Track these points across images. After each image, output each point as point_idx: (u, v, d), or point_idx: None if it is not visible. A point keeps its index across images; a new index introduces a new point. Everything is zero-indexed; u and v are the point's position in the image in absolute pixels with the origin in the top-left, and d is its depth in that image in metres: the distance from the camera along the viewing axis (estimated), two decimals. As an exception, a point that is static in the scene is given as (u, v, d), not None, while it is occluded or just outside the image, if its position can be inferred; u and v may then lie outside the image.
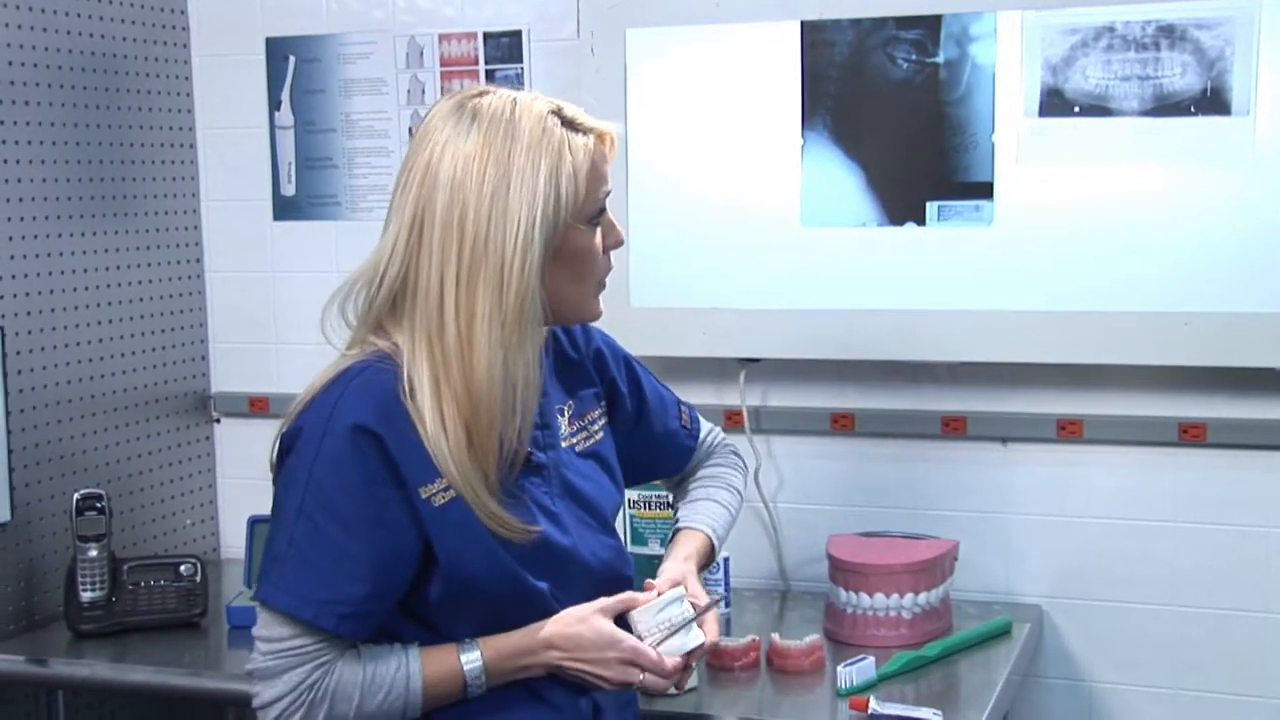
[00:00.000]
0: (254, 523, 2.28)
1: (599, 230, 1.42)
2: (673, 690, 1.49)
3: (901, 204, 2.14)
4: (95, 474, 2.36)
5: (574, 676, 1.43)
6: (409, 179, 1.36)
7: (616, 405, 1.61)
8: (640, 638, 1.44)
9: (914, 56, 2.11)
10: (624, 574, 1.53)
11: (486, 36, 2.40)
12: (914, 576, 2.03)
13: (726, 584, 2.17)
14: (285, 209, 2.54)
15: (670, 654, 1.44)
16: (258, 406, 2.58)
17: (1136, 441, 2.16)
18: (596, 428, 1.54)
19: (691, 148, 2.22)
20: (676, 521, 1.66)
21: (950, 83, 2.11)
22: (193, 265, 2.58)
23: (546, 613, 1.42)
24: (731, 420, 2.30)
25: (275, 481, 1.39)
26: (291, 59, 2.51)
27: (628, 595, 1.46)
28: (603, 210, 1.43)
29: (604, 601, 1.44)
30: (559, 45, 2.36)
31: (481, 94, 1.38)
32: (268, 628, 1.36)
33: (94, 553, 2.20)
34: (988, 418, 2.23)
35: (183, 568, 2.24)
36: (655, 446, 1.66)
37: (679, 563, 1.57)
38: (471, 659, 1.39)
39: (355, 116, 2.49)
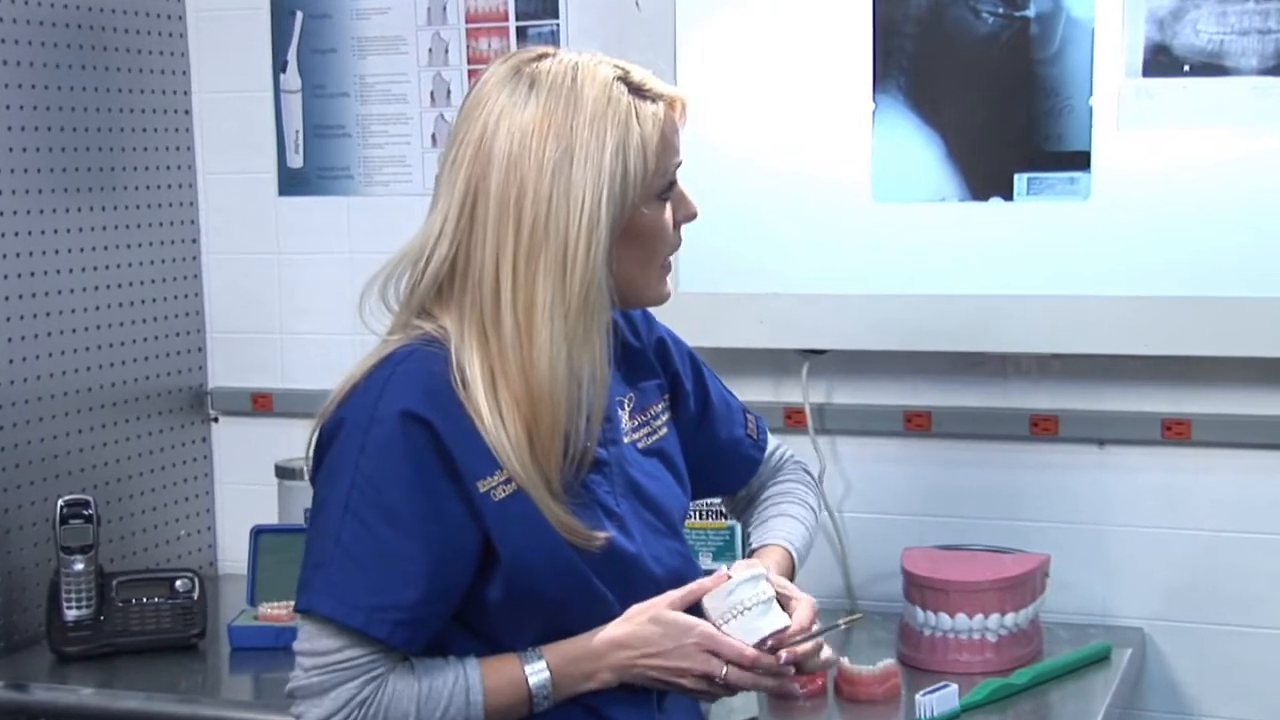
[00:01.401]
0: (258, 533, 2.30)
1: (668, 205, 1.43)
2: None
3: (986, 176, 2.14)
4: (80, 478, 2.36)
5: (648, 679, 1.42)
6: (459, 153, 1.37)
7: (679, 402, 1.61)
8: (714, 624, 1.42)
9: (1000, 9, 2.11)
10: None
11: None
12: (1000, 595, 2.02)
13: (786, 603, 2.16)
14: (292, 183, 2.55)
15: (744, 636, 1.40)
16: (261, 404, 2.59)
17: (1252, 444, 2.15)
18: (660, 422, 1.55)
19: (748, 115, 2.22)
20: (749, 545, 1.66)
21: (1042, 39, 2.10)
22: (188, 246, 2.58)
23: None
24: (792, 419, 2.31)
25: (314, 480, 1.39)
26: (299, 15, 2.51)
27: (697, 584, 1.45)
28: (673, 183, 1.43)
29: (670, 595, 1.43)
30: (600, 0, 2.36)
31: (540, 57, 1.39)
32: (312, 640, 1.36)
33: (80, 566, 2.20)
34: (1082, 417, 2.22)
35: (178, 583, 2.24)
36: (718, 455, 1.67)
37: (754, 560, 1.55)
38: (537, 669, 1.39)
39: (370, 79, 2.50)
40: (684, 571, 1.51)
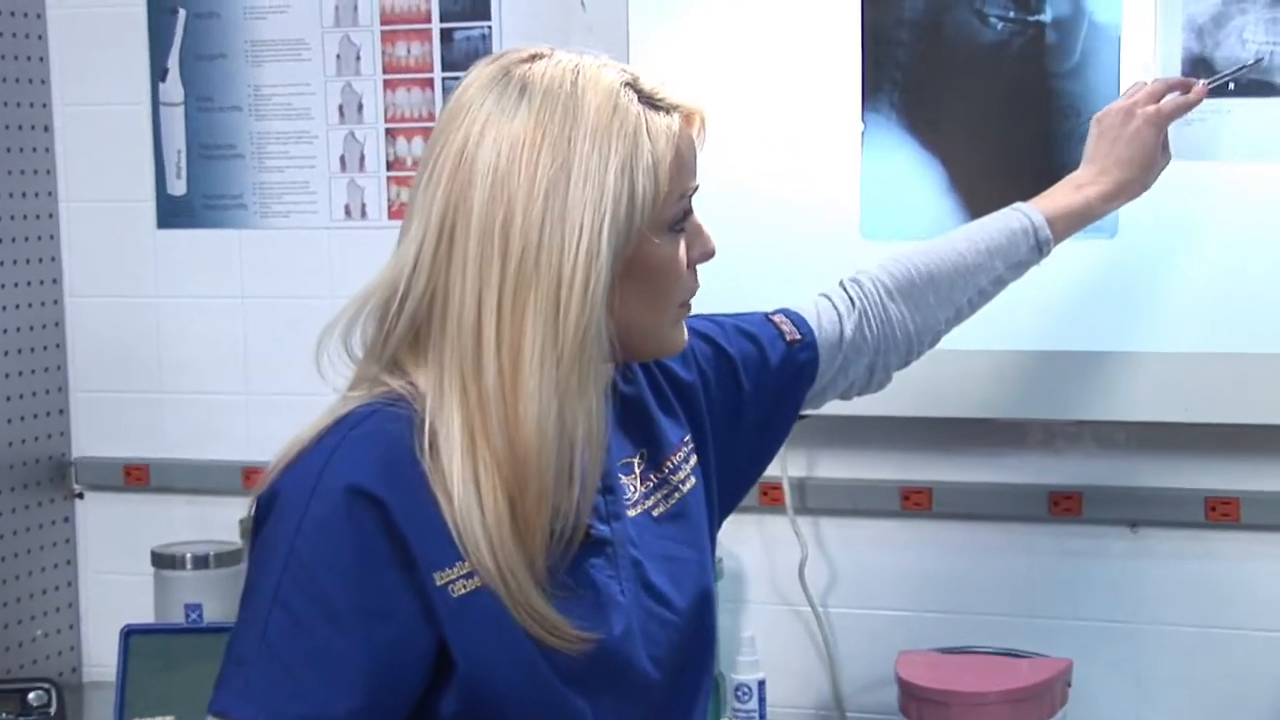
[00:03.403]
0: (129, 634, 2.28)
1: (682, 238, 1.42)
2: None
3: (995, 210, 2.03)
4: (-85, 567, 2.36)
5: None
6: (436, 169, 1.36)
7: (735, 419, 1.62)
8: None
9: (1011, 13, 2.11)
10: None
11: None
12: (1013, 707, 2.02)
13: (762, 713, 2.16)
14: (173, 213, 2.55)
15: None
16: (135, 477, 2.59)
17: None
18: (682, 475, 1.54)
19: (714, 137, 2.13)
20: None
21: (1060, 49, 2.10)
22: (48, 288, 2.57)
23: None
24: (768, 496, 2.29)
25: (250, 557, 1.37)
26: (181, 13, 2.51)
27: None
28: (689, 213, 1.42)
29: None
30: None
31: (532, 58, 1.38)
32: None
33: (-88, 675, 2.17)
34: (1111, 494, 2.22)
35: (31, 695, 2.26)
36: (781, 393, 1.67)
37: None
38: None
39: (267, 90, 2.50)
40: (685, 669, 1.49)
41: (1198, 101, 1.92)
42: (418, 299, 1.34)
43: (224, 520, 2.46)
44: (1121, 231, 2.09)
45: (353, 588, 1.31)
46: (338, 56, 2.46)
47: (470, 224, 1.33)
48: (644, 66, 2.10)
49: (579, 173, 1.33)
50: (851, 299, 1.75)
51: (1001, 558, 2.26)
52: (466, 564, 1.32)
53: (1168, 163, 1.93)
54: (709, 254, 1.46)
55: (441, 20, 2.42)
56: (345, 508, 1.30)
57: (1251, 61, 1.98)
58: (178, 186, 2.53)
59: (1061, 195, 1.87)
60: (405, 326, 1.35)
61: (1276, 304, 2.06)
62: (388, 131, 2.46)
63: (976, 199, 2.12)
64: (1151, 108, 1.89)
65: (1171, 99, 1.91)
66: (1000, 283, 1.84)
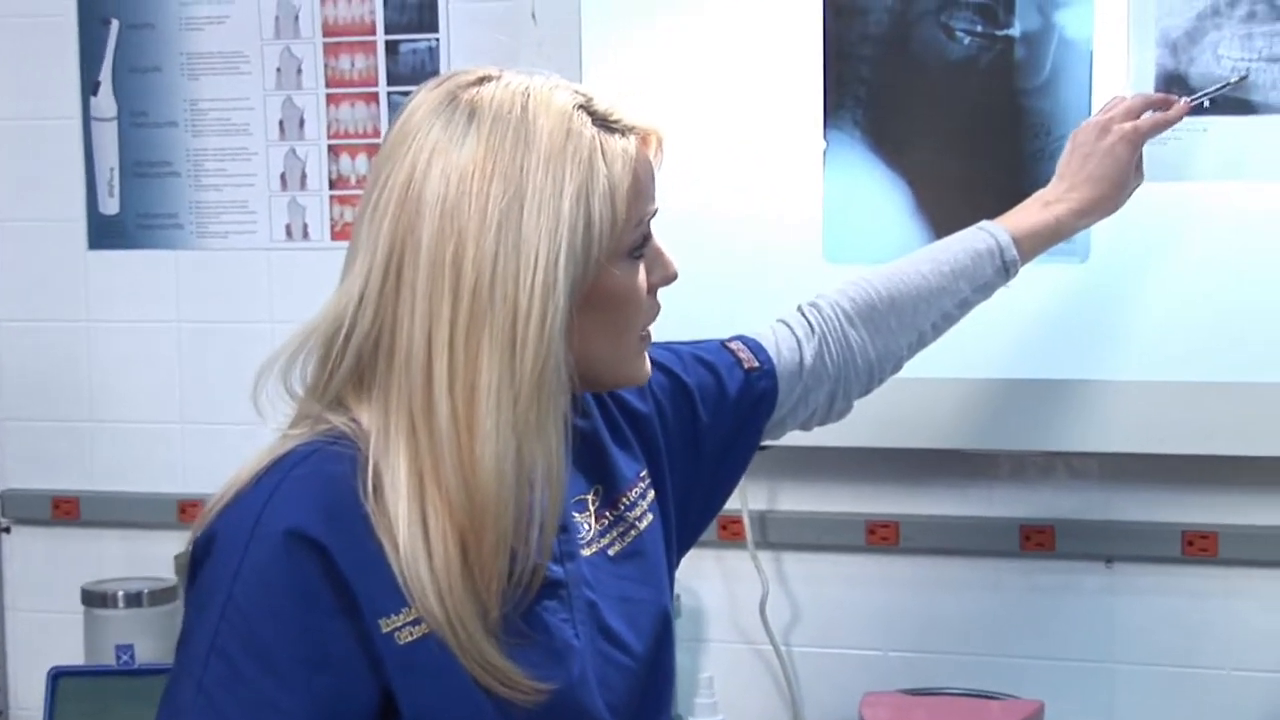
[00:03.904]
0: (57, 676, 2.26)
1: (642, 264, 1.42)
2: None
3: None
4: None
5: None
6: (382, 200, 1.35)
7: (693, 451, 1.62)
8: None
9: (979, 28, 2.11)
10: None
11: None
12: None
13: (720, 757, 2.18)
14: (105, 233, 2.54)
15: None
16: (63, 511, 2.57)
17: None
18: (638, 511, 1.54)
19: (672, 154, 2.14)
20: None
21: (1029, 64, 2.10)
22: (-27, 312, 2.56)
23: None
24: (728, 530, 2.29)
25: (186, 604, 1.36)
26: (114, 24, 2.50)
27: None
28: (648, 237, 1.42)
29: None
30: (489, 9, 2.37)
31: (480, 80, 1.38)
32: None
33: None
34: (1085, 529, 2.22)
35: None
36: (740, 423, 1.67)
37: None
38: None
39: (204, 105, 2.49)
40: (641, 714, 1.48)
41: (1178, 119, 1.92)
42: (364, 335, 1.34)
43: (158, 556, 2.43)
44: (1094, 255, 2.09)
45: (293, 636, 1.30)
46: (278, 70, 2.45)
47: (419, 257, 1.32)
48: (598, 83, 2.16)
49: (532, 201, 1.32)
50: (811, 324, 1.74)
51: (971, 594, 2.26)
52: (412, 611, 1.31)
53: (1140, 183, 1.92)
54: (670, 278, 1.45)
55: (387, 32, 2.41)
56: (285, 552, 1.30)
57: (1235, 79, 1.98)
58: (110, 205, 2.52)
59: (1028, 213, 1.87)
60: (350, 364, 1.35)
61: (1257, 331, 2.05)
62: (331, 148, 2.45)
63: (943, 220, 2.10)
64: (1128, 124, 1.88)
65: (1150, 116, 1.90)
66: (966, 305, 1.82)
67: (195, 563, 1.35)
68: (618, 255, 1.38)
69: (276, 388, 1.38)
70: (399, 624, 1.31)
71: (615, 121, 1.38)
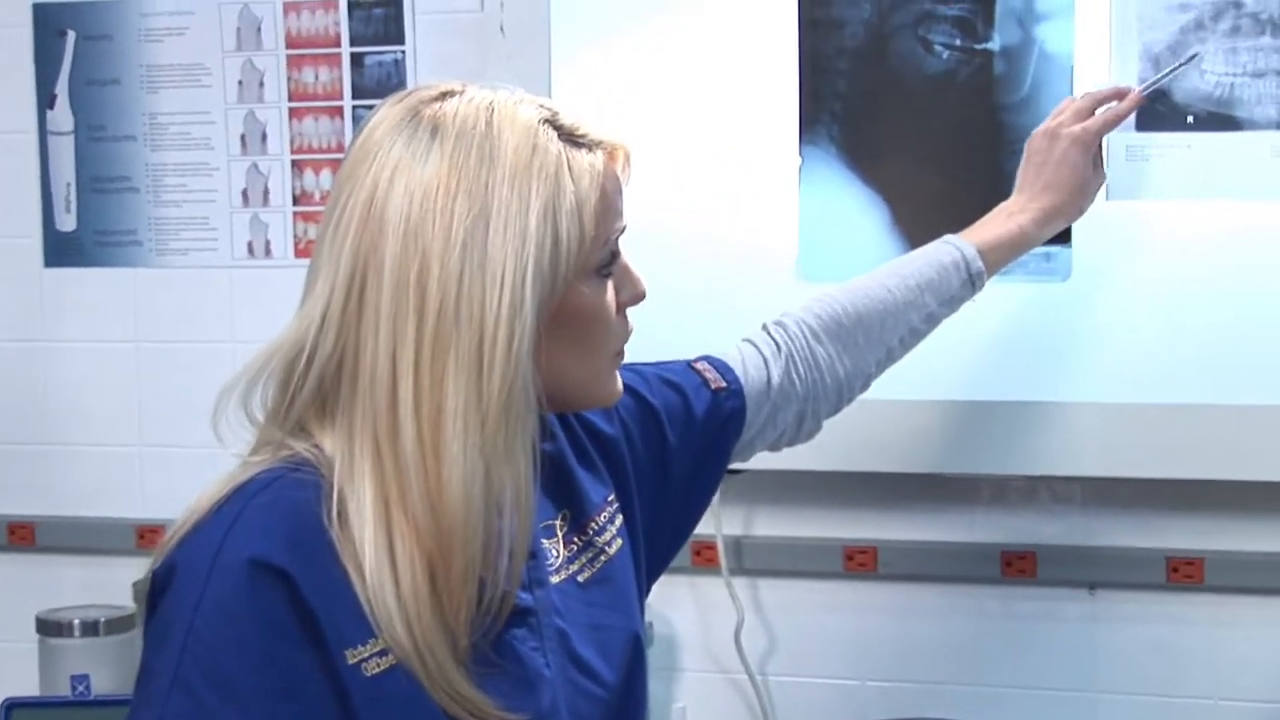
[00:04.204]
0: (11, 708, 2.25)
1: (610, 282, 1.42)
2: None
3: None
4: None
5: None
6: (343, 220, 1.34)
7: (661, 473, 1.62)
8: None
9: (958, 42, 2.11)
10: None
11: (352, 6, 2.42)
12: None
13: (693, 791, 2.18)
14: (62, 250, 2.53)
15: None
16: (19, 536, 2.57)
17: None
18: (607, 536, 1.54)
19: (642, 170, 2.13)
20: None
21: (1009, 78, 2.10)
22: (-75, 332, 2.55)
23: None
24: (702, 556, 2.28)
25: (145, 636, 1.35)
26: (70, 35, 2.50)
27: None
28: (616, 254, 1.42)
29: None
30: (456, 20, 2.38)
31: (442, 96, 1.37)
32: None
33: None
34: (1067, 554, 2.22)
35: None
36: (708, 444, 1.67)
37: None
38: None
39: (164, 118, 2.49)
40: None
41: (1130, 111, 1.93)
42: (326, 358, 1.33)
43: (116, 583, 2.41)
44: (1076, 274, 2.09)
45: (257, 668, 1.29)
46: (240, 82, 2.45)
47: (382, 278, 1.32)
48: (567, 96, 2.20)
49: (498, 219, 1.32)
50: (777, 343, 1.75)
51: (950, 622, 2.26)
52: (379, 641, 1.31)
53: (1102, 181, 1.93)
54: (639, 297, 1.46)
55: (352, 44, 2.42)
56: (248, 582, 1.29)
57: (1186, 58, 1.99)
58: (67, 222, 2.51)
59: (993, 225, 1.88)
60: (312, 388, 1.34)
61: (1244, 352, 2.05)
62: (294, 163, 2.44)
63: (921, 238, 2.07)
64: (1077, 127, 1.89)
65: (1102, 113, 1.91)
66: (932, 320, 1.83)
67: (154, 595, 1.34)
68: (585, 273, 1.37)
69: (237, 413, 1.37)
70: (365, 655, 1.31)
71: (581, 136, 1.38)
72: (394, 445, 1.31)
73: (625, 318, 1.45)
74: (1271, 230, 2.03)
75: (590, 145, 1.38)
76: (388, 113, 1.37)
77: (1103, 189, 2.01)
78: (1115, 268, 2.08)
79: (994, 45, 2.09)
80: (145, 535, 2.45)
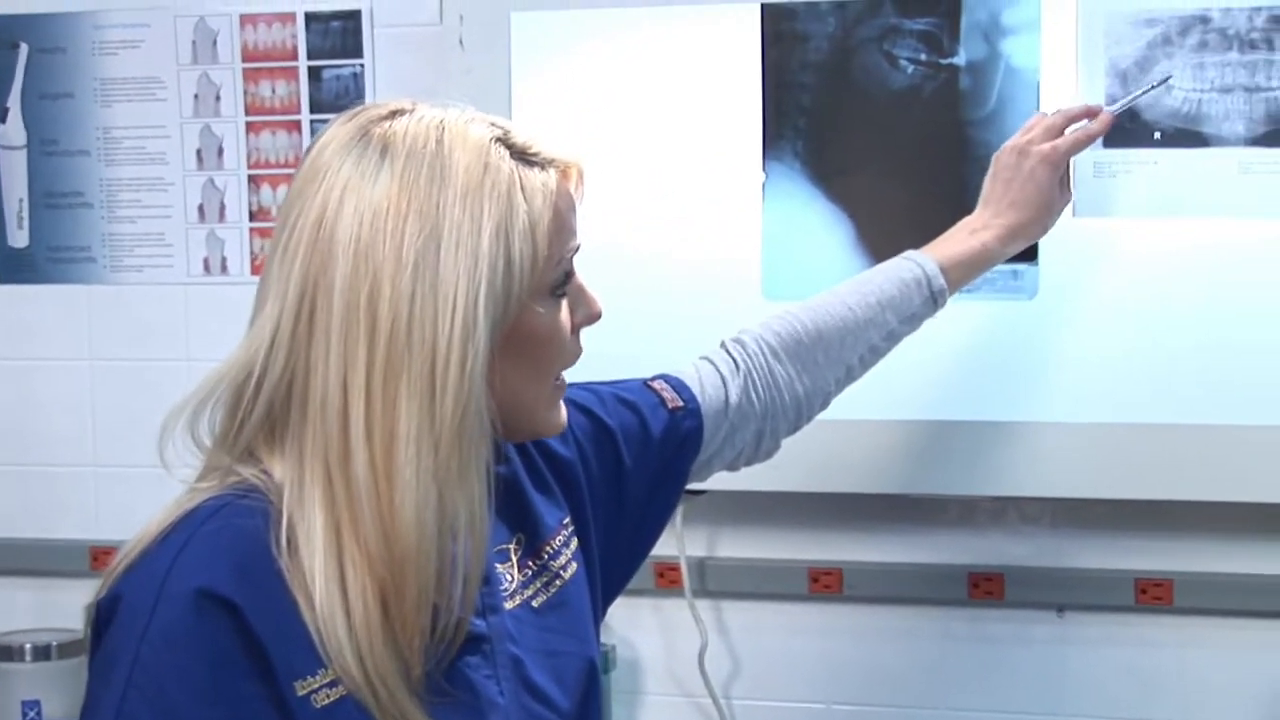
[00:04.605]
0: None
1: (564, 302, 1.41)
2: None
3: None
4: None
5: None
6: (292, 241, 1.33)
7: (617, 495, 1.61)
8: None
9: (923, 57, 2.11)
10: None
11: (310, 19, 2.41)
12: None
13: (656, 817, 2.18)
14: (14, 267, 2.52)
15: None
16: None
17: (1250, 612, 2.16)
18: (562, 560, 1.54)
19: (604, 186, 2.13)
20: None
21: (975, 94, 2.10)
22: (-127, 350, 2.53)
23: None
24: (665, 578, 2.28)
25: (90, 667, 1.34)
26: (23, 48, 2.49)
27: None
28: (570, 274, 1.41)
29: None
30: (414, 33, 2.37)
31: (393, 114, 1.36)
32: None
33: None
34: (1035, 576, 2.22)
35: None
36: (665, 464, 1.66)
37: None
38: None
39: (118, 133, 2.48)
40: None
41: (1102, 131, 1.92)
42: (275, 382, 1.32)
43: (69, 606, 2.35)
44: (1043, 292, 2.08)
45: (205, 701, 1.28)
46: (196, 96, 2.43)
47: (333, 300, 1.31)
48: (527, 111, 2.18)
49: (450, 239, 1.31)
50: (735, 361, 1.73)
51: (917, 644, 2.25)
52: (330, 671, 1.30)
53: (1068, 200, 1.92)
54: (595, 317, 1.45)
55: (309, 58, 2.40)
56: (194, 613, 1.28)
57: (1158, 81, 1.98)
58: (19, 238, 2.50)
59: (955, 241, 1.86)
60: (261, 412, 1.33)
61: (1211, 371, 2.05)
62: (251, 178, 2.42)
63: (886, 254, 2.06)
64: (1047, 145, 1.88)
65: (1072, 132, 1.90)
66: (893, 337, 1.82)
67: (99, 626, 1.32)
68: (539, 293, 1.37)
69: (184, 438, 1.35)
70: (315, 686, 1.30)
71: (534, 155, 1.37)
72: (345, 471, 1.30)
73: (578, 339, 1.45)
74: (1239, 247, 2.03)
75: (543, 164, 1.37)
76: (337, 131, 1.36)
77: (1070, 206, 2.00)
78: (1083, 285, 2.07)
79: (959, 60, 2.09)
80: (99, 557, 2.42)
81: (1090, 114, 1.90)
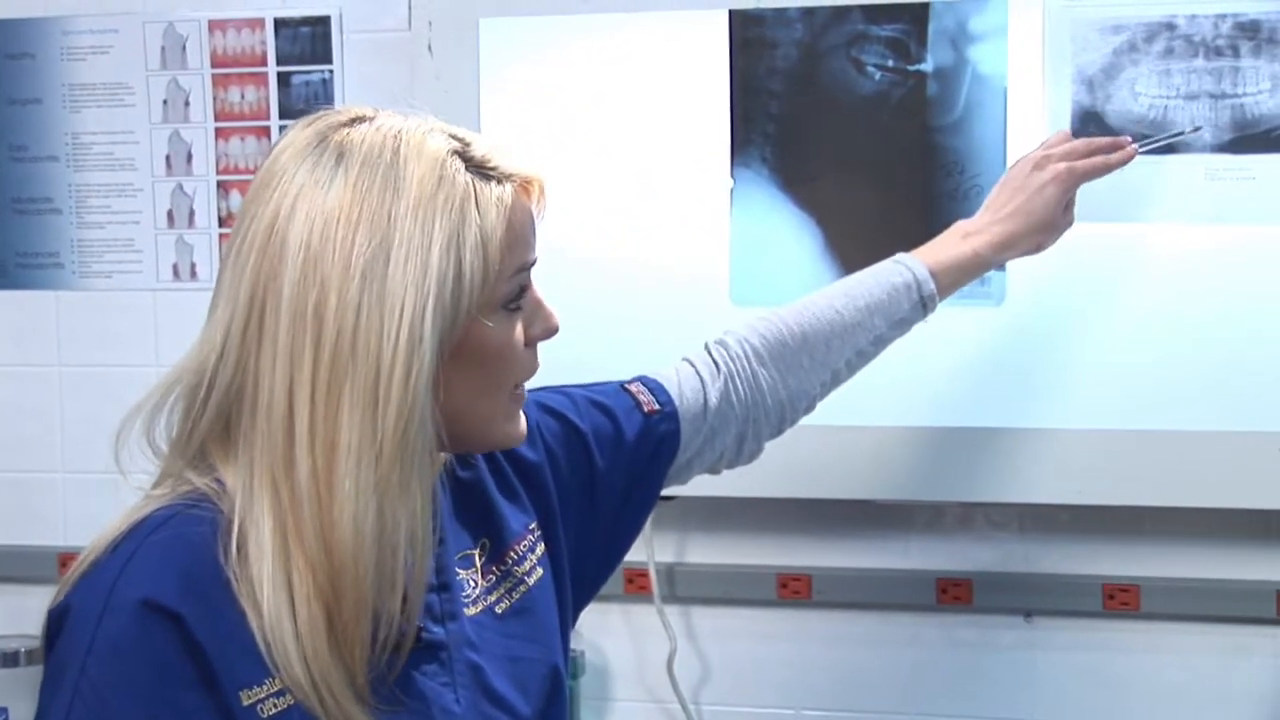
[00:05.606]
0: None
1: (519, 317, 1.40)
2: None
3: None
4: None
5: None
6: (245, 244, 1.33)
7: (588, 500, 1.60)
8: None
9: (891, 63, 2.11)
10: None
11: (279, 24, 2.40)
12: None
13: (627, 824, 2.17)
14: None
15: None
16: None
17: (1218, 617, 2.16)
18: (527, 566, 1.53)
19: (573, 193, 2.18)
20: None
21: (942, 101, 2.10)
22: None
23: None
24: (634, 584, 2.28)
25: (43, 677, 1.33)
26: None
27: None
28: (525, 288, 1.40)
29: None
30: (383, 39, 2.37)
31: (352, 121, 1.36)
32: None
33: None
34: (1003, 582, 2.22)
35: None
36: (639, 469, 1.65)
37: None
38: None
39: (87, 138, 2.47)
40: None
41: (1122, 163, 1.88)
42: (225, 387, 1.32)
43: (37, 612, 2.22)
44: (1010, 298, 2.08)
45: (149, 713, 1.27)
46: (164, 102, 2.42)
47: (280, 306, 1.30)
48: (495, 117, 2.18)
49: (400, 251, 1.30)
50: (717, 363, 1.72)
51: (886, 650, 2.25)
52: (277, 681, 1.29)
53: (1069, 225, 1.89)
54: (551, 331, 1.44)
55: (279, 63, 2.39)
56: (139, 625, 1.27)
57: (1190, 129, 1.98)
58: None
59: (947, 245, 1.83)
60: (213, 416, 1.33)
61: (1179, 377, 2.05)
62: (220, 184, 2.41)
63: (854, 261, 2.07)
64: (1063, 165, 1.85)
65: (1091, 159, 1.87)
66: (881, 342, 1.79)
67: (50, 637, 1.32)
68: (491, 307, 1.36)
69: (140, 443, 1.35)
70: (261, 696, 1.29)
71: (492, 168, 1.36)
72: (290, 478, 1.30)
73: (534, 353, 1.43)
74: (1206, 253, 2.03)
75: (500, 178, 1.36)
76: (296, 136, 1.36)
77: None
78: (1050, 291, 2.07)
79: (927, 66, 2.09)
80: (67, 563, 2.37)
81: (1116, 146, 1.88)
